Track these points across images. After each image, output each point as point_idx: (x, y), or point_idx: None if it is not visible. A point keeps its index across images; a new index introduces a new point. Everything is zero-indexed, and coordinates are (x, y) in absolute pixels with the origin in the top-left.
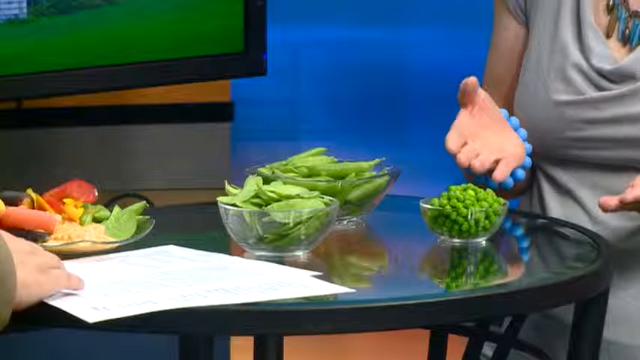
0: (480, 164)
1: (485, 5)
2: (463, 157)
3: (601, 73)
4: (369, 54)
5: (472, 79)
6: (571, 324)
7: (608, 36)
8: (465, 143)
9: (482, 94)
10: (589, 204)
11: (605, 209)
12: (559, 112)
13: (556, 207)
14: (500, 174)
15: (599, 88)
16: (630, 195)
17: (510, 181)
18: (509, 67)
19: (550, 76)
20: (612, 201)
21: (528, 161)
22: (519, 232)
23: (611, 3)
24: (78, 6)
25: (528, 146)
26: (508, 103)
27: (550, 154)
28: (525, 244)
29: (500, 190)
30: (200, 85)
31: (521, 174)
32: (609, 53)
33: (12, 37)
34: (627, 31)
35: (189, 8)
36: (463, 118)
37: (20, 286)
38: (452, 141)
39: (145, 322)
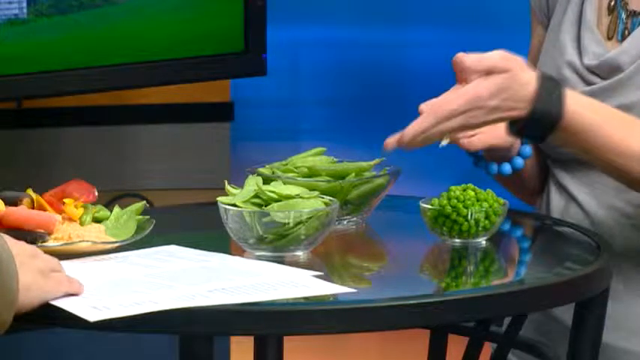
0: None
1: (485, 6)
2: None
3: (591, 69)
4: (369, 54)
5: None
6: (571, 324)
7: (609, 37)
8: None
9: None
10: (587, 204)
11: (386, 149)
12: None
13: (558, 207)
14: (468, 143)
15: (590, 84)
16: (408, 134)
17: (507, 168)
18: None
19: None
20: (392, 139)
21: (528, 150)
22: (519, 232)
23: (612, 4)
24: (78, 6)
25: None
26: None
27: (551, 153)
28: (525, 244)
29: (501, 178)
30: (200, 85)
31: (520, 163)
32: (604, 53)
33: (12, 37)
34: (626, 32)
35: (189, 8)
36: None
37: (22, 289)
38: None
39: (145, 322)
